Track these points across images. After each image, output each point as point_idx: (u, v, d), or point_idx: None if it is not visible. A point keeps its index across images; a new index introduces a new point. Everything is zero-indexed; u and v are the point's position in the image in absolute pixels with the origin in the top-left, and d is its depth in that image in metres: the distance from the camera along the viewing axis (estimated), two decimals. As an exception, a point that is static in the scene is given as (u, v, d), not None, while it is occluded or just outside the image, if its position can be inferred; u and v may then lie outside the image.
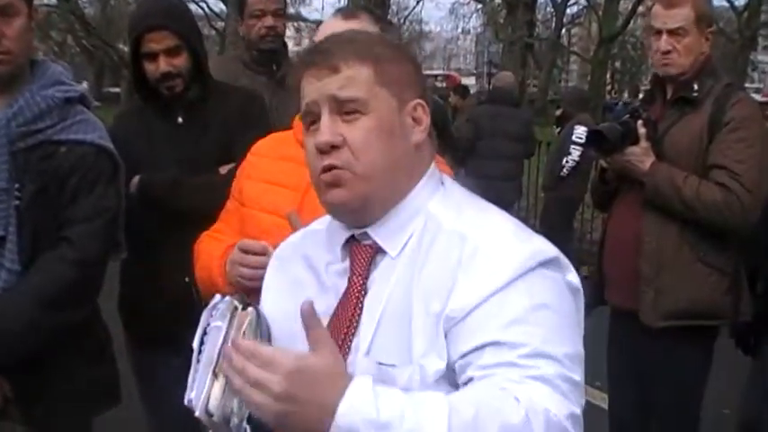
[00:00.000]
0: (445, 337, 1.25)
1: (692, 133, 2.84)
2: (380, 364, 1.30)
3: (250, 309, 1.41)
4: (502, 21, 29.23)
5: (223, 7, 25.43)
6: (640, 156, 2.85)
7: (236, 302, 1.41)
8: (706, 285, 2.87)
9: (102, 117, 2.40)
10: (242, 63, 3.64)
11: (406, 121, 1.37)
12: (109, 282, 2.37)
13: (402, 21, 39.05)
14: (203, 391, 1.29)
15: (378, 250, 1.38)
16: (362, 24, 2.07)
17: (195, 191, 2.33)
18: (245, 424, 1.31)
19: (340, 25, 2.07)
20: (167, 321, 2.49)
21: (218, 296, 1.44)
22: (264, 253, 1.99)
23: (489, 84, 13.98)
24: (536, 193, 9.08)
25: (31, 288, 2.13)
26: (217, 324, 1.35)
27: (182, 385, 3.06)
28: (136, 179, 2.67)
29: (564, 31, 35.21)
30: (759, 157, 2.79)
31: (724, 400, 4.57)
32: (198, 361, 1.33)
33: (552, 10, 32.49)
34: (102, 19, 29.29)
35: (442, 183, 1.43)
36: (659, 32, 2.90)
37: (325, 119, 1.34)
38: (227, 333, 1.34)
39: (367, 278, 1.38)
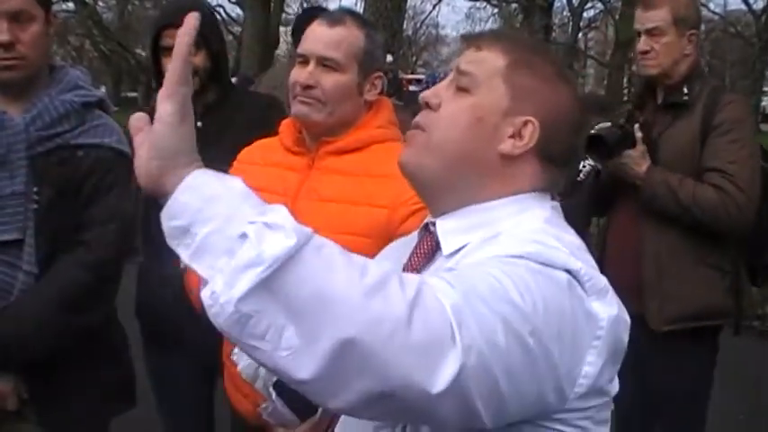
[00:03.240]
0: None
1: (685, 137, 2.89)
2: None
3: None
4: (518, 25, 29.17)
5: (240, 12, 25.55)
6: (637, 159, 2.89)
7: None
8: (708, 286, 2.92)
9: (120, 121, 2.42)
10: None
11: (504, 126, 1.30)
12: (126, 284, 2.39)
13: (418, 25, 39.03)
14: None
15: (438, 246, 1.33)
16: (348, 30, 2.08)
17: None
18: (271, 389, 1.40)
19: (325, 32, 2.08)
20: (183, 324, 2.51)
21: None
22: None
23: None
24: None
25: (47, 291, 2.15)
26: None
27: (197, 386, 3.07)
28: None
29: (580, 35, 35.10)
30: (750, 158, 2.85)
31: (737, 405, 4.57)
32: None
33: (569, 14, 32.39)
34: (119, 24, 29.49)
35: (534, 208, 1.33)
36: (639, 34, 2.99)
37: (443, 82, 1.35)
38: None
39: (418, 271, 1.34)
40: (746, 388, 4.92)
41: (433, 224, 1.35)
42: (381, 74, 2.17)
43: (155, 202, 2.80)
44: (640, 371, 2.95)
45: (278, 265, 0.94)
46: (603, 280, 1.19)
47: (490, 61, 1.32)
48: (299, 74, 2.09)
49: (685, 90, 2.93)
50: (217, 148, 2.68)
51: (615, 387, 1.22)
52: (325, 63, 2.07)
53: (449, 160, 1.30)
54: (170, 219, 1.02)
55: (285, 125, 2.24)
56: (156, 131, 1.07)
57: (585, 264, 1.18)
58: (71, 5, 24.56)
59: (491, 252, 1.16)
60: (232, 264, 0.95)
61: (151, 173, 1.06)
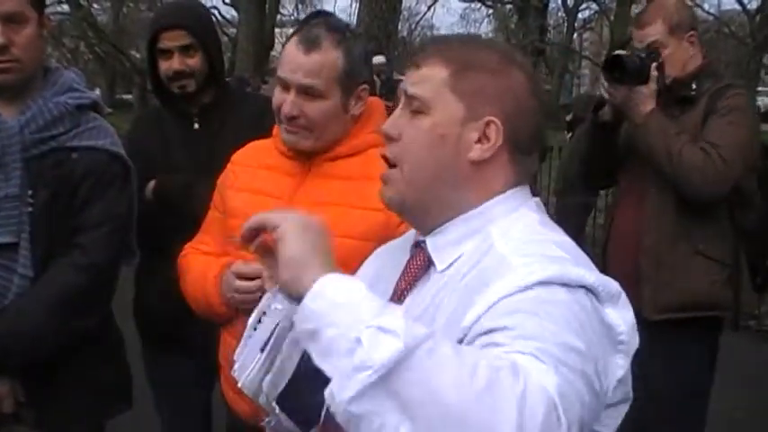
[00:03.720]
0: None
1: (688, 127, 2.92)
2: None
3: None
4: (513, 26, 29.21)
5: (235, 14, 25.52)
6: (645, 97, 2.90)
7: None
8: (704, 277, 2.93)
9: (115, 123, 2.42)
10: None
11: (468, 134, 1.31)
12: (122, 286, 2.39)
13: (413, 26, 39.06)
14: (248, 366, 1.39)
15: (431, 262, 1.36)
16: (325, 54, 2.03)
17: (209, 195, 2.35)
18: (274, 403, 1.40)
19: (303, 60, 2.03)
20: (181, 324, 2.51)
21: None
22: (257, 276, 2.00)
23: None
24: (548, 198, 9.06)
25: (43, 294, 2.15)
26: (277, 307, 1.39)
27: (195, 387, 3.07)
28: (152, 183, 2.70)
29: (575, 35, 35.14)
30: (742, 141, 2.87)
31: (734, 406, 4.58)
32: (249, 337, 1.40)
33: (564, 15, 32.45)
34: (114, 26, 29.45)
35: (520, 208, 1.35)
36: None
37: (397, 110, 1.37)
38: (285, 317, 1.37)
39: (412, 286, 1.37)
40: (743, 388, 4.93)
41: (423, 242, 1.37)
42: (365, 85, 2.14)
43: (154, 202, 2.77)
44: (638, 366, 2.96)
45: (385, 370, 0.99)
46: (614, 283, 1.22)
47: (432, 77, 1.33)
48: (281, 100, 2.07)
49: (693, 86, 2.96)
50: (214, 149, 2.69)
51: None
52: (306, 91, 2.04)
53: (426, 186, 1.33)
54: (301, 322, 1.11)
55: (278, 128, 2.23)
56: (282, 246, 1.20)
57: (593, 270, 1.22)
58: (66, 7, 24.53)
59: (512, 282, 1.15)
60: (347, 367, 1.02)
61: (284, 282, 1.19)
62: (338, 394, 1.01)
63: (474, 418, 0.97)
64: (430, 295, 1.32)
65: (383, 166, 2.08)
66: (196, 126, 2.80)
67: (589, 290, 1.18)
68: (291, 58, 2.06)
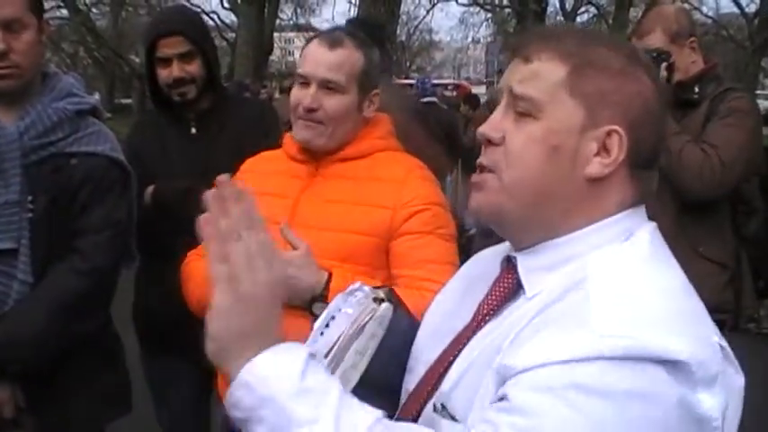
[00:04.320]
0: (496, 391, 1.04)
1: (690, 130, 2.92)
2: (444, 409, 1.15)
3: (385, 305, 1.36)
4: (512, 30, 29.21)
5: (234, 18, 25.54)
6: None
7: (377, 294, 1.38)
8: (705, 279, 2.91)
9: (114, 128, 2.42)
10: None
11: (586, 145, 1.12)
12: (122, 290, 2.39)
13: (412, 30, 39.10)
14: None
15: (520, 283, 1.17)
16: (348, 52, 2.11)
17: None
18: None
19: (326, 55, 2.10)
20: (181, 329, 2.51)
21: (358, 283, 1.40)
22: None
23: (499, 92, 13.97)
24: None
25: (44, 299, 2.15)
26: (347, 311, 1.33)
27: (195, 390, 3.07)
28: (150, 188, 2.70)
29: (574, 39, 35.14)
30: (743, 143, 2.88)
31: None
32: (315, 341, 1.32)
33: (562, 19, 32.50)
34: (113, 31, 29.46)
35: (628, 237, 1.14)
36: None
37: (498, 110, 1.18)
38: (352, 323, 1.32)
39: (496, 312, 1.19)
40: (743, 391, 4.93)
41: (515, 258, 1.20)
42: (378, 91, 2.19)
43: (153, 207, 2.76)
44: None
45: None
46: (715, 360, 1.04)
47: (547, 73, 1.13)
48: (301, 96, 2.11)
49: (696, 89, 2.97)
50: (212, 154, 2.70)
51: None
52: (327, 86, 2.09)
53: (530, 202, 1.14)
54: (230, 406, 1.04)
55: (289, 136, 2.26)
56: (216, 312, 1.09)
57: (698, 336, 1.03)
58: (65, 12, 24.53)
59: (576, 346, 0.97)
60: None
61: (212, 352, 1.07)
62: None
63: None
64: (512, 322, 1.13)
65: (389, 168, 2.10)
66: (193, 131, 2.80)
67: (679, 368, 0.97)
68: (314, 55, 2.12)
